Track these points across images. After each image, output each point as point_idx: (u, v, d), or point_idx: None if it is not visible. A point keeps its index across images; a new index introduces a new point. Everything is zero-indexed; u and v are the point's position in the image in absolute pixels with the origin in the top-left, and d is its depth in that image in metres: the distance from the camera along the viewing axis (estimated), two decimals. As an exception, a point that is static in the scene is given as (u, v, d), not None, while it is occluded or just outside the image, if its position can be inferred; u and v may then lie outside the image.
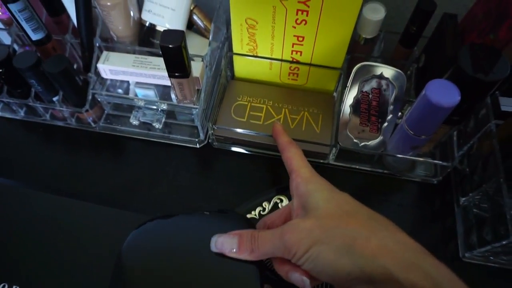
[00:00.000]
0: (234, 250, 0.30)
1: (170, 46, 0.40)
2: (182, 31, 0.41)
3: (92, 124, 0.55)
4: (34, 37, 0.48)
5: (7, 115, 0.58)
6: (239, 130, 0.51)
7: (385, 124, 0.49)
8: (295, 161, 0.34)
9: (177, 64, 0.43)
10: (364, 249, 0.26)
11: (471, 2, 0.49)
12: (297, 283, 0.30)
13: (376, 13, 0.48)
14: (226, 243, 0.31)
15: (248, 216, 0.46)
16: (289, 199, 0.47)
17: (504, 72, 0.39)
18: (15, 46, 0.53)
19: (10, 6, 0.43)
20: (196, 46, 0.54)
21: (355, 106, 0.49)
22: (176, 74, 0.44)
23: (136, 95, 0.53)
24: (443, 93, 0.39)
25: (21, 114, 0.57)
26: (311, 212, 0.29)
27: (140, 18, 0.52)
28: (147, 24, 0.52)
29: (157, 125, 0.53)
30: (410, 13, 0.49)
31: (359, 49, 0.53)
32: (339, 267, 0.26)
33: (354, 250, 0.26)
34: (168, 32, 0.41)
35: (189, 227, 0.34)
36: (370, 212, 0.29)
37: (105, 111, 0.56)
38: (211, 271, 0.31)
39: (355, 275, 0.26)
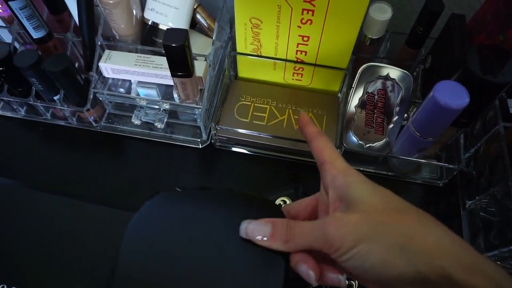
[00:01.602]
0: (266, 238, 0.28)
1: (173, 45, 0.40)
2: (185, 30, 0.40)
3: (93, 123, 0.55)
4: (35, 35, 0.47)
5: (8, 113, 0.57)
6: (242, 131, 0.50)
7: (391, 125, 0.49)
8: (328, 152, 0.30)
9: (180, 63, 0.42)
10: (421, 248, 0.24)
11: (479, 3, 0.49)
12: (331, 282, 0.28)
13: (383, 13, 0.48)
14: (257, 230, 0.28)
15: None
16: (293, 200, 0.46)
17: (513, 75, 0.38)
18: (16, 44, 0.53)
19: (11, 3, 0.42)
20: (199, 45, 0.53)
21: (361, 107, 0.49)
22: (179, 73, 0.44)
23: (138, 94, 0.53)
24: (451, 94, 0.38)
25: (22, 113, 0.56)
26: (355, 206, 0.27)
27: (142, 17, 0.51)
28: (149, 23, 0.51)
29: (159, 125, 0.52)
30: (416, 14, 0.48)
31: (364, 50, 0.52)
32: (390, 267, 0.24)
33: (410, 249, 0.24)
34: (171, 31, 0.40)
35: (211, 206, 0.31)
36: (418, 209, 0.27)
37: (107, 111, 0.56)
38: (232, 258, 0.29)
39: (408, 275, 0.24)
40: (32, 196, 0.48)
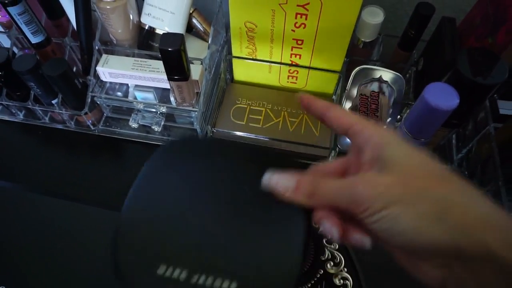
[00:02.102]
0: (290, 190, 0.26)
1: (170, 49, 0.40)
2: (181, 35, 0.41)
3: (91, 127, 0.55)
4: (34, 40, 0.48)
5: (6, 117, 0.58)
6: (238, 133, 0.51)
7: (384, 127, 0.49)
8: (351, 116, 0.28)
9: (176, 67, 0.43)
10: (461, 219, 0.22)
11: (469, 6, 0.50)
12: (355, 243, 0.26)
13: (375, 17, 0.48)
14: (282, 181, 0.27)
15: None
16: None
17: (502, 76, 0.39)
18: (15, 49, 0.53)
19: (10, 9, 0.43)
20: (196, 49, 0.54)
21: (354, 109, 0.50)
22: (175, 77, 0.45)
23: (135, 98, 0.53)
24: (442, 96, 0.39)
25: (20, 116, 0.57)
26: (390, 168, 0.24)
27: (139, 21, 0.52)
28: (146, 27, 0.52)
29: (156, 128, 0.53)
30: (408, 17, 0.49)
31: (358, 53, 0.53)
32: (423, 234, 0.22)
33: (448, 219, 0.22)
34: (167, 35, 0.41)
35: (229, 157, 0.29)
36: (461, 179, 0.24)
37: (104, 114, 0.56)
38: (250, 212, 0.27)
39: (443, 246, 0.22)
40: (30, 199, 0.49)
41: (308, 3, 0.43)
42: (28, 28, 0.46)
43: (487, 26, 0.43)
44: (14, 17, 0.44)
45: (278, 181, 0.27)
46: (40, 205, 0.49)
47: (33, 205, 0.49)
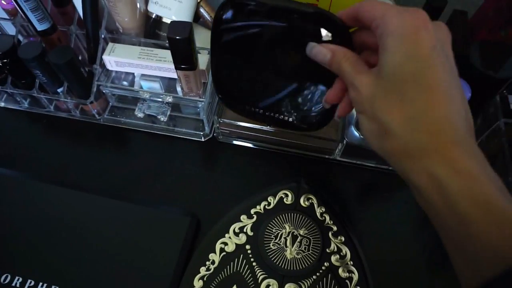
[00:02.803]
0: (327, 59, 0.31)
1: (178, 37, 0.40)
2: (190, 23, 0.40)
3: (97, 116, 0.55)
4: (39, 27, 0.47)
5: (11, 106, 0.57)
6: (245, 124, 0.50)
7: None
8: (379, 6, 0.28)
9: (184, 56, 0.42)
10: (389, 143, 0.27)
11: (481, 0, 0.49)
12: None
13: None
14: (319, 53, 0.31)
15: (253, 210, 0.46)
16: (294, 194, 0.47)
17: (515, 71, 0.39)
18: (20, 37, 0.53)
19: (16, -5, 0.42)
20: (203, 39, 0.53)
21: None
22: (183, 66, 0.44)
23: (141, 87, 0.53)
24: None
25: (25, 105, 0.57)
26: (381, 74, 0.27)
27: (146, 10, 0.51)
28: (153, 16, 0.51)
29: (162, 118, 0.52)
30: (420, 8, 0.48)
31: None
32: (371, 144, 0.30)
33: (384, 142, 0.27)
34: (175, 23, 0.41)
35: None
36: (428, 98, 0.25)
37: (110, 103, 0.56)
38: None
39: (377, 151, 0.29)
40: (35, 187, 0.49)
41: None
42: (34, 15, 0.46)
43: (500, 19, 0.43)
44: (20, 3, 0.44)
45: (316, 52, 0.31)
46: (44, 193, 0.48)
47: (36, 194, 0.48)
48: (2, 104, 0.57)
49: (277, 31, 0.34)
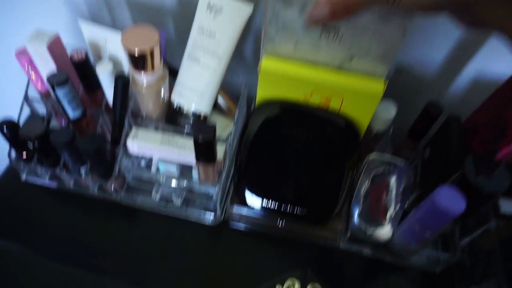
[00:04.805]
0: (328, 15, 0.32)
1: (203, 139, 0.44)
2: (214, 126, 0.45)
3: (114, 193, 0.58)
4: (72, 115, 0.51)
5: (32, 179, 0.60)
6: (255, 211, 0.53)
7: (393, 213, 0.53)
8: None
9: (206, 153, 0.46)
10: None
11: (473, 108, 0.54)
12: None
13: (388, 111, 0.53)
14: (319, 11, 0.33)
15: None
16: (301, 282, 0.49)
17: (505, 183, 0.43)
18: (50, 117, 0.57)
19: (57, 90, 0.47)
20: (218, 127, 0.58)
21: (366, 196, 0.53)
22: (203, 160, 0.48)
23: (158, 168, 0.56)
24: (450, 200, 0.42)
25: (46, 180, 0.59)
26: None
27: (169, 98, 0.56)
28: (175, 104, 0.56)
29: (176, 201, 0.55)
30: (420, 109, 0.53)
31: (370, 140, 0.57)
32: None
33: None
34: (200, 124, 0.45)
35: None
36: None
37: (126, 182, 0.59)
38: None
39: None
40: (41, 264, 0.50)
41: (330, 98, 0.47)
42: (70, 106, 0.50)
43: (490, 133, 0.48)
44: (59, 96, 0.48)
45: (316, 13, 0.33)
46: (49, 272, 0.50)
47: (43, 272, 0.50)
48: (24, 177, 0.60)
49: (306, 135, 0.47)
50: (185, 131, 0.54)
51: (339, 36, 0.41)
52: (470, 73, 0.56)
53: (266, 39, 0.43)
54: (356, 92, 0.44)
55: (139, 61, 0.45)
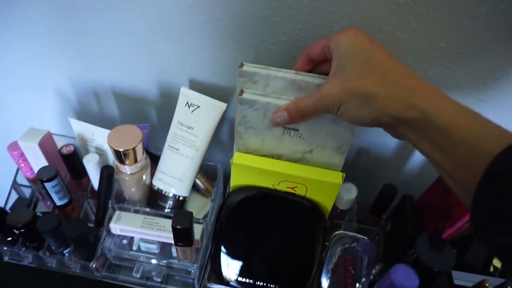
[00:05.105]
0: (285, 119, 0.43)
1: (180, 227, 0.48)
2: (191, 213, 0.49)
3: (95, 272, 0.60)
4: (59, 203, 0.55)
5: (14, 260, 0.62)
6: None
7: (360, 286, 0.57)
8: (319, 42, 0.42)
9: (184, 238, 0.50)
10: (375, 104, 0.35)
11: (425, 186, 0.61)
12: None
13: (350, 193, 0.59)
14: (279, 117, 0.43)
15: None
16: None
17: (452, 261, 0.49)
18: (37, 200, 0.60)
19: (46, 184, 0.51)
20: (196, 206, 0.62)
21: (334, 270, 0.57)
22: (181, 244, 0.52)
23: (139, 247, 0.60)
24: (405, 277, 0.47)
25: (29, 260, 0.61)
26: (339, 75, 0.37)
27: (151, 183, 0.60)
28: (156, 189, 0.60)
29: (157, 279, 0.58)
30: (379, 189, 0.59)
31: (336, 217, 0.62)
32: (360, 118, 0.36)
33: (371, 104, 0.35)
34: (179, 213, 0.49)
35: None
36: (386, 65, 0.36)
37: (108, 261, 0.61)
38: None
39: (373, 121, 0.36)
40: None
41: (296, 187, 0.53)
42: (57, 195, 0.53)
43: (438, 212, 0.54)
44: (47, 188, 0.52)
45: (276, 119, 0.43)
46: None
47: None
48: (6, 259, 0.62)
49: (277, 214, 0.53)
50: (165, 211, 0.59)
51: (299, 134, 0.48)
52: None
53: (237, 137, 0.49)
54: (319, 182, 0.50)
55: (124, 157, 0.50)
